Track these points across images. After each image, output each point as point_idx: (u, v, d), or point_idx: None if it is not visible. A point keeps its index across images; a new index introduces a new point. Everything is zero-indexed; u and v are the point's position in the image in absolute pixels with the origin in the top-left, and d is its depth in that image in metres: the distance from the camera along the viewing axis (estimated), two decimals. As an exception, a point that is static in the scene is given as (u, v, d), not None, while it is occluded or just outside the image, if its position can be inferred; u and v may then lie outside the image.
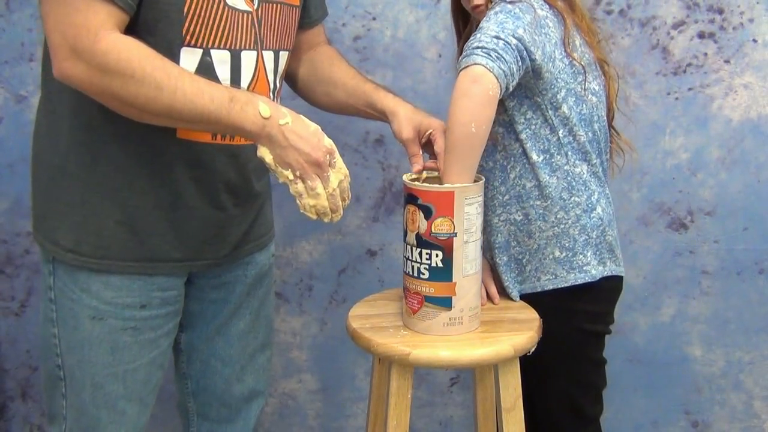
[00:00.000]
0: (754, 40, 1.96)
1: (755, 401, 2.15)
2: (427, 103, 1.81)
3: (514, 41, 1.37)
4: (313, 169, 1.30)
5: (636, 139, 1.95)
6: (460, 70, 1.37)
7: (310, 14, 1.57)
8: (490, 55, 1.35)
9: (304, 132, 1.30)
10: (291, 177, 1.30)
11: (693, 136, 2.01)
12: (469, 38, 1.52)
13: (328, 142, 1.32)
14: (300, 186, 1.31)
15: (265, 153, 1.30)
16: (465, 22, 1.62)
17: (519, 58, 1.37)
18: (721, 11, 1.95)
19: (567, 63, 1.46)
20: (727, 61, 1.97)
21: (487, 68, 1.34)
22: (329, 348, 2.17)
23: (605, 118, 1.54)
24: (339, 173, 1.33)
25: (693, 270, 2.07)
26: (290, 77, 1.62)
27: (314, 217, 1.34)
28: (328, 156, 1.31)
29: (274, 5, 1.42)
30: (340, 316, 2.09)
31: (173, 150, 1.36)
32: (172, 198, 1.38)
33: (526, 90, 1.45)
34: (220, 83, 1.33)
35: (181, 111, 1.24)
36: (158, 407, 1.54)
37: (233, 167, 1.42)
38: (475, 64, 1.35)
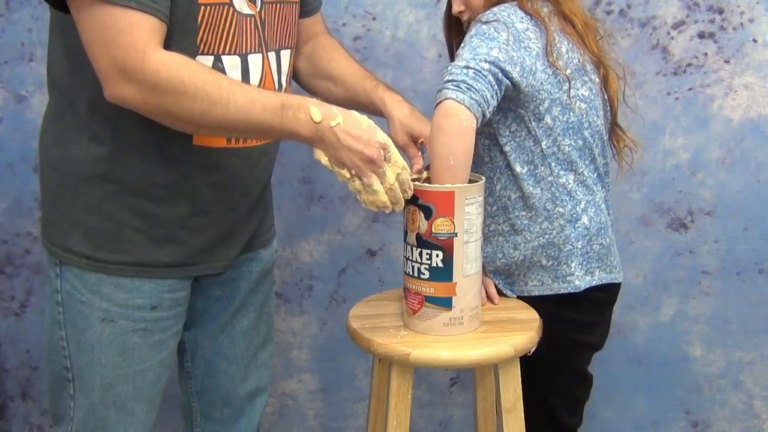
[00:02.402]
0: (754, 40, 1.96)
1: (755, 401, 2.15)
2: (427, 103, 1.81)
3: (486, 66, 1.37)
4: (368, 167, 1.31)
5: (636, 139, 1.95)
6: (435, 106, 1.38)
7: (306, 2, 1.56)
8: (460, 87, 1.35)
9: (355, 131, 1.30)
10: (348, 176, 1.33)
11: (693, 136, 2.01)
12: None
13: (381, 137, 1.33)
14: (357, 183, 1.33)
15: (320, 155, 1.32)
16: (459, 40, 1.61)
17: (494, 81, 1.38)
18: (721, 11, 1.95)
19: (550, 73, 1.45)
20: (727, 61, 1.97)
21: (457, 101, 1.35)
22: (329, 348, 2.17)
23: (599, 123, 1.53)
24: (395, 167, 1.34)
25: (693, 270, 2.07)
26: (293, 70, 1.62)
27: (376, 209, 1.36)
28: (382, 151, 1.32)
29: (275, 5, 1.42)
30: (340, 316, 2.09)
31: (190, 157, 1.36)
32: (190, 204, 1.39)
33: (509, 102, 1.45)
34: None
35: (236, 123, 1.26)
36: (158, 407, 1.54)
37: (247, 169, 1.44)
38: (446, 99, 1.36)
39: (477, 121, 1.37)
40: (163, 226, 1.38)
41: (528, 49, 1.42)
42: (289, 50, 1.47)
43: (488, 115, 1.39)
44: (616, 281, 1.56)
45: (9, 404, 2.22)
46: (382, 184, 1.33)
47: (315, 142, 1.30)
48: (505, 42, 1.40)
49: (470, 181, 1.42)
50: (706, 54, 1.97)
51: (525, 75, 1.41)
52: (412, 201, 1.39)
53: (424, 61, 2.00)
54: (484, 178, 1.44)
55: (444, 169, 1.37)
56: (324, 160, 1.32)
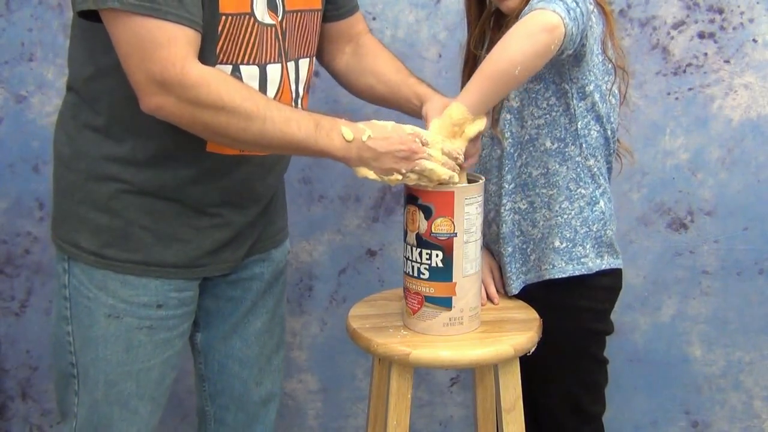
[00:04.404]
0: (754, 40, 1.96)
1: (755, 401, 2.15)
2: (427, 103, 1.81)
3: (585, 18, 1.35)
4: (413, 158, 1.33)
5: (636, 139, 1.95)
6: (535, 8, 1.32)
7: (339, 5, 1.56)
8: (570, 13, 1.31)
9: (385, 133, 1.33)
10: (400, 177, 1.34)
11: (693, 136, 2.01)
12: (480, 30, 1.51)
13: (410, 129, 1.34)
14: (413, 176, 1.35)
15: (365, 172, 1.34)
16: (479, 9, 1.58)
17: (582, 34, 1.36)
18: (721, 11, 1.95)
19: (601, 60, 1.46)
20: (727, 61, 1.97)
21: (563, 23, 1.30)
22: (329, 348, 2.17)
23: (617, 121, 1.54)
24: (436, 145, 1.35)
25: (693, 270, 2.07)
26: (333, 69, 1.61)
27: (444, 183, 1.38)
28: (417, 140, 1.33)
29: (297, 14, 1.42)
30: (340, 316, 2.09)
31: (203, 163, 1.37)
32: (199, 206, 1.40)
33: (555, 76, 1.44)
34: None
35: (271, 140, 1.28)
36: (158, 407, 1.54)
37: (259, 176, 1.44)
38: (555, 12, 1.30)
39: (555, 53, 1.32)
40: (172, 227, 1.39)
41: (592, 30, 1.41)
42: (308, 59, 1.47)
43: (563, 55, 1.35)
44: (620, 267, 1.56)
45: (9, 404, 2.22)
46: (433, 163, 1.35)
47: (352, 161, 1.32)
48: (587, 12, 1.37)
49: (470, 181, 1.42)
50: (706, 54, 1.97)
51: (588, 50, 1.41)
52: (413, 201, 1.39)
53: (424, 61, 2.00)
54: (483, 178, 1.44)
55: (504, 73, 1.32)
56: (371, 175, 1.34)
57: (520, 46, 1.32)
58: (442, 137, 1.36)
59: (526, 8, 1.36)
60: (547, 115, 1.47)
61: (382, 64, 1.58)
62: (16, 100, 2.04)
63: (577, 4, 1.34)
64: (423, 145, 1.34)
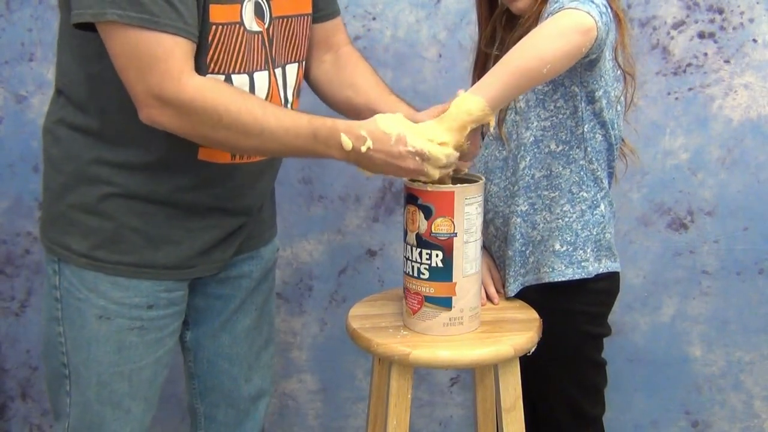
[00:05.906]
0: (754, 40, 1.96)
1: (755, 401, 2.15)
2: (427, 103, 1.80)
3: (610, 24, 1.34)
4: (413, 173, 1.33)
5: (636, 139, 1.94)
6: (567, 8, 1.30)
7: (318, 8, 1.54)
8: (602, 17, 1.30)
9: (386, 147, 1.30)
10: (403, 176, 1.35)
11: (693, 136, 2.01)
12: (491, 29, 1.51)
13: (412, 144, 1.30)
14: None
15: (364, 171, 1.35)
16: (490, 8, 1.56)
17: (605, 39, 1.35)
18: (721, 11, 1.95)
19: (611, 66, 1.45)
20: (727, 61, 1.97)
21: (597, 26, 1.29)
22: (329, 348, 2.17)
23: (621, 128, 1.54)
24: (436, 164, 1.32)
25: (693, 270, 2.07)
26: (309, 76, 1.60)
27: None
28: (417, 158, 1.30)
29: (284, 20, 1.41)
30: (340, 316, 2.09)
31: (194, 170, 1.37)
32: (190, 210, 1.40)
33: (565, 78, 1.43)
34: None
35: (271, 148, 1.31)
36: (158, 407, 1.54)
37: (250, 182, 1.45)
38: (590, 14, 1.29)
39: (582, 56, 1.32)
40: (162, 229, 1.39)
41: (608, 36, 1.40)
42: (296, 64, 1.47)
43: (587, 58, 1.35)
44: (618, 270, 1.56)
45: (9, 404, 2.22)
46: (434, 169, 1.33)
47: (353, 163, 1.33)
48: (611, 18, 1.37)
49: (470, 181, 1.42)
50: (706, 54, 1.97)
51: (603, 55, 1.41)
52: (413, 201, 1.39)
53: (424, 61, 2.00)
54: (483, 178, 1.44)
55: (532, 70, 1.29)
56: (369, 174, 1.35)
57: (552, 44, 1.29)
58: (444, 157, 1.32)
59: (556, 5, 1.34)
60: (554, 118, 1.46)
61: (361, 78, 1.56)
62: (16, 100, 2.04)
63: (607, 8, 1.34)
64: (424, 161, 1.30)
